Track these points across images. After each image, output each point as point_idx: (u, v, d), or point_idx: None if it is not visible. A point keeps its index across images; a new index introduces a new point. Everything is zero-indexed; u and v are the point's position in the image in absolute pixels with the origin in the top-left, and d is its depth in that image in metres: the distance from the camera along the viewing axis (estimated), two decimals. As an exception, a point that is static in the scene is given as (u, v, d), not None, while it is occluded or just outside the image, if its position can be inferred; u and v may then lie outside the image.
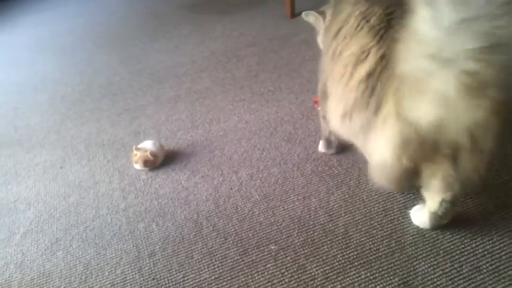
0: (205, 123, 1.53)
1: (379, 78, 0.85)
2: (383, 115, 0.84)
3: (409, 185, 0.98)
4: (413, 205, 1.04)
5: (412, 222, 1.02)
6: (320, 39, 1.18)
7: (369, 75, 0.86)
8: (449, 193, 0.90)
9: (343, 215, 1.06)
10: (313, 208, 1.09)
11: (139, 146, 1.34)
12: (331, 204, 1.09)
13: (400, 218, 1.04)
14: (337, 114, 0.94)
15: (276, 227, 1.05)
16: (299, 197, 1.13)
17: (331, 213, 1.06)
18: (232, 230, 1.07)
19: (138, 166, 1.32)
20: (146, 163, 1.31)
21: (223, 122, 1.53)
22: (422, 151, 0.81)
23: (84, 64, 2.21)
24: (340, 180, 1.16)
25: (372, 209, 1.06)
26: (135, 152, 1.32)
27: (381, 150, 0.86)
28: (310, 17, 1.21)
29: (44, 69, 2.23)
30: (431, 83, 0.70)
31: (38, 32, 2.86)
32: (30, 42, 2.69)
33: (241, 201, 1.16)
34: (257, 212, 1.11)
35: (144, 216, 1.16)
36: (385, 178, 0.90)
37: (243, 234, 1.05)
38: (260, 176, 1.24)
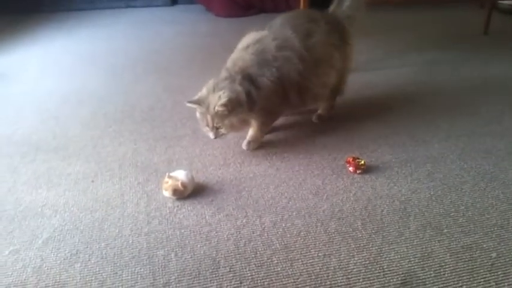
0: (236, 163, 1.57)
1: None
2: None
3: None
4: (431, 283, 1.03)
5: (430, 301, 1.01)
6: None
7: None
8: None
9: (361, 280, 1.05)
10: (332, 268, 1.09)
11: (172, 174, 1.37)
12: (351, 267, 1.08)
13: (418, 294, 1.03)
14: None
15: (292, 280, 1.05)
16: (319, 254, 1.13)
17: (350, 276, 1.06)
18: (249, 274, 1.07)
19: (167, 193, 1.35)
20: (175, 192, 1.34)
21: (255, 164, 1.55)
22: None
23: (131, 86, 2.30)
24: (362, 245, 1.16)
25: (391, 280, 1.05)
26: (166, 179, 1.35)
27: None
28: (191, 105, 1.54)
29: (92, 84, 2.33)
30: None
31: (93, 47, 3.01)
32: (84, 55, 2.83)
33: (262, 247, 1.16)
34: (275, 261, 1.11)
35: (165, 244, 1.18)
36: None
37: (259, 281, 1.05)
38: (283, 225, 1.25)
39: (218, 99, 1.47)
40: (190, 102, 1.54)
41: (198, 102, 1.52)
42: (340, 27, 1.73)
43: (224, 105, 1.46)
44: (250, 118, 1.59)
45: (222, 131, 1.54)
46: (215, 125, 1.52)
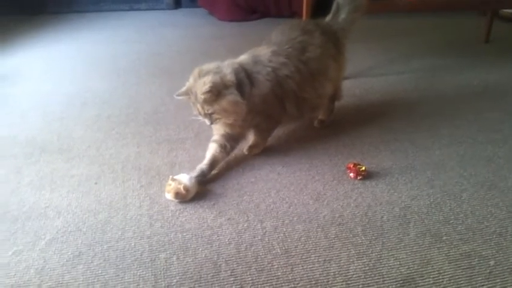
0: (238, 167, 1.58)
1: None
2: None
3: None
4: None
5: (428, 307, 1.01)
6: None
7: None
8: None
9: (360, 286, 1.06)
10: (332, 273, 1.10)
11: (176, 177, 1.39)
12: (351, 273, 1.10)
13: (416, 301, 1.04)
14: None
15: (292, 286, 1.06)
16: (319, 259, 1.14)
17: (349, 282, 1.07)
18: (250, 279, 1.09)
19: (169, 196, 1.37)
20: (177, 195, 1.35)
21: (257, 169, 1.57)
22: None
23: (135, 89, 2.32)
24: (362, 251, 1.17)
25: (390, 287, 1.06)
26: (170, 181, 1.37)
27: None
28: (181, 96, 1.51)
29: (96, 86, 2.35)
30: None
31: (96, 49, 3.03)
32: (87, 57, 2.85)
33: (263, 251, 1.17)
34: (276, 266, 1.12)
35: (167, 247, 1.19)
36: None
37: (259, 286, 1.06)
38: (284, 230, 1.26)
39: (203, 86, 1.43)
40: (178, 94, 1.51)
41: (186, 92, 1.50)
42: (335, 38, 1.74)
43: (208, 91, 1.42)
44: (244, 105, 1.50)
45: (216, 116, 1.49)
46: (206, 112, 1.48)
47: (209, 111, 1.48)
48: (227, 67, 1.50)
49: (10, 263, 1.15)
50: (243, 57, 1.61)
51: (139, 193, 1.43)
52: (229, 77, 1.47)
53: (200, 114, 1.51)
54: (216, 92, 1.44)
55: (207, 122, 1.52)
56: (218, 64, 1.52)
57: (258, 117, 1.59)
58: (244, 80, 1.51)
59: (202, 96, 1.43)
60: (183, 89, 1.51)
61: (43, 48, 3.05)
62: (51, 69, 2.64)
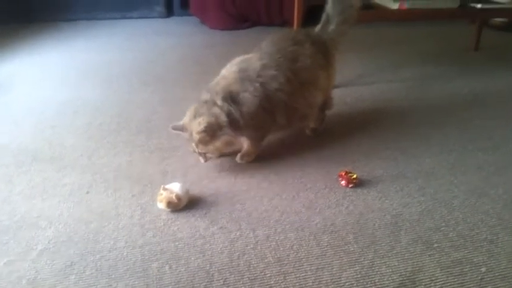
0: (231, 175, 1.58)
1: None
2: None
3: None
4: (424, 298, 1.04)
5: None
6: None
7: None
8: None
9: (353, 294, 1.07)
10: (324, 282, 1.10)
11: (167, 186, 1.39)
12: (343, 281, 1.10)
13: (408, 308, 1.05)
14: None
15: (285, 294, 1.07)
16: (312, 267, 1.15)
17: (342, 290, 1.08)
18: (242, 288, 1.09)
19: (161, 205, 1.36)
20: (169, 204, 1.35)
21: (249, 177, 1.57)
22: None
23: (127, 97, 2.31)
24: (354, 258, 1.18)
25: (382, 294, 1.07)
26: (161, 191, 1.37)
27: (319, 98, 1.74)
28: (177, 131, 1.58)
29: (87, 94, 2.34)
30: None
31: (89, 57, 3.02)
32: (80, 65, 2.85)
33: (255, 260, 1.18)
34: (269, 275, 1.13)
35: (159, 256, 1.19)
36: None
37: (252, 294, 1.07)
38: (276, 238, 1.26)
39: (198, 126, 1.50)
40: (174, 128, 1.58)
41: (182, 128, 1.56)
42: (325, 49, 1.74)
43: (203, 131, 1.49)
44: (238, 138, 1.62)
45: (209, 155, 1.58)
46: (200, 151, 1.55)
47: (203, 151, 1.54)
48: (217, 107, 1.53)
49: (2, 273, 1.14)
50: (232, 76, 1.60)
51: (131, 202, 1.42)
52: (221, 118, 1.52)
53: (195, 151, 1.57)
54: (211, 132, 1.50)
55: (201, 160, 1.59)
56: (210, 103, 1.54)
57: (249, 130, 1.61)
58: (232, 110, 1.54)
59: (198, 136, 1.50)
60: (180, 123, 1.57)
61: (37, 56, 3.03)
62: (45, 77, 2.63)
